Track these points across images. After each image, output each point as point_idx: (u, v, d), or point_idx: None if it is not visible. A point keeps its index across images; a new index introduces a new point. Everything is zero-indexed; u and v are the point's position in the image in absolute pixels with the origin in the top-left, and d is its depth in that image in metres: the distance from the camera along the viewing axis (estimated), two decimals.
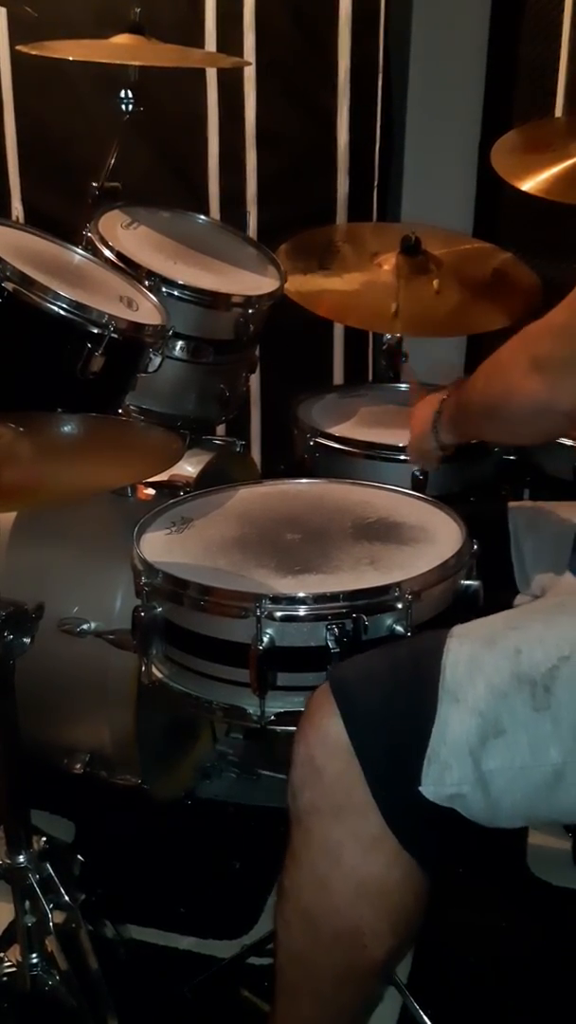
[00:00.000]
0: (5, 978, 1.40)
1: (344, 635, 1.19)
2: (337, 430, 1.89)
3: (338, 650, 1.19)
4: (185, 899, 1.76)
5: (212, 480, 1.72)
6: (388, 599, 1.21)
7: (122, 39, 1.89)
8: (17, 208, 2.64)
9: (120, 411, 1.72)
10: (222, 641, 1.24)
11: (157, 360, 1.67)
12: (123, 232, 1.86)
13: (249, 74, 2.44)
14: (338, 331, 2.63)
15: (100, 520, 1.73)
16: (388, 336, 2.18)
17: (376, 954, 1.09)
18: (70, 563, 1.70)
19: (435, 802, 1.03)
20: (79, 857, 1.55)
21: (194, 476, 1.78)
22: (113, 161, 1.94)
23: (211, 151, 2.53)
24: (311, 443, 1.87)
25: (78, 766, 1.72)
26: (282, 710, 1.24)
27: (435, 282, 2.03)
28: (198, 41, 2.41)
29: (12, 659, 1.29)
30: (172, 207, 2.06)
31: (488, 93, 2.52)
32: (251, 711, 1.24)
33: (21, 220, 2.57)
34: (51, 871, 1.40)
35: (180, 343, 1.78)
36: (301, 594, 1.22)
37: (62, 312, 1.50)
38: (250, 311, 1.83)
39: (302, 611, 1.20)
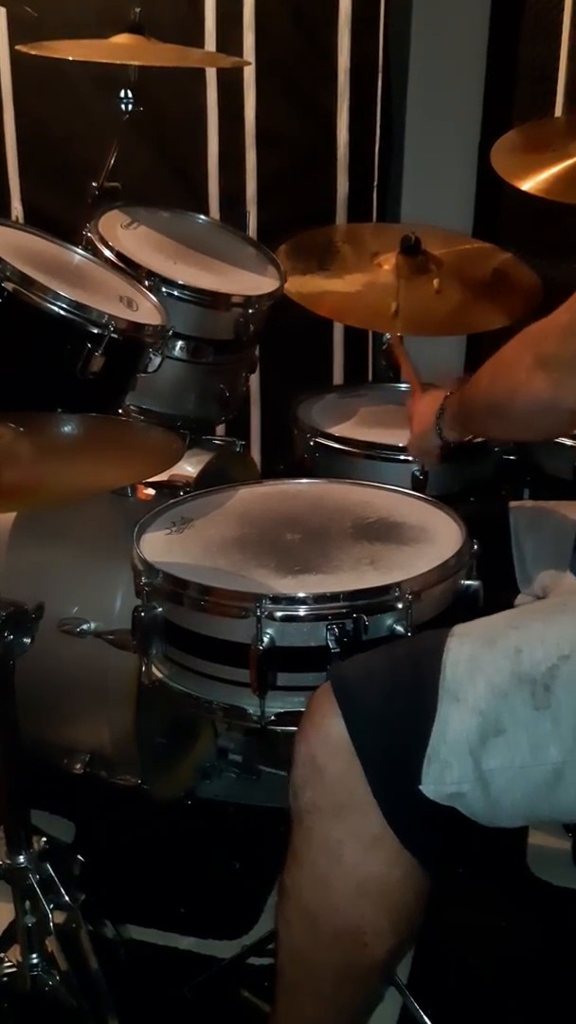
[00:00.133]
0: (5, 978, 1.40)
1: (344, 635, 1.19)
2: (337, 430, 1.89)
3: (338, 650, 1.19)
4: (185, 899, 1.76)
5: (212, 480, 1.72)
6: (388, 599, 1.21)
7: (122, 39, 1.89)
8: (17, 208, 2.63)
9: (120, 411, 1.72)
10: (222, 641, 1.24)
11: (157, 360, 1.67)
12: (123, 232, 1.86)
13: (249, 74, 2.44)
14: (338, 331, 2.63)
15: (100, 520, 1.73)
16: (388, 336, 2.18)
17: (377, 953, 1.09)
18: (70, 563, 1.70)
19: (435, 801, 1.03)
20: (79, 857, 1.55)
21: (194, 476, 1.78)
22: (113, 161, 1.94)
23: (211, 151, 2.53)
24: (311, 443, 1.87)
25: (78, 766, 1.72)
26: (282, 710, 1.24)
27: (435, 281, 2.03)
28: (198, 41, 2.41)
29: (12, 659, 1.29)
30: (172, 207, 2.06)
31: (488, 93, 2.52)
32: (251, 711, 1.24)
33: (21, 220, 2.57)
34: (51, 871, 1.40)
35: (180, 343, 1.78)
36: (301, 594, 1.22)
37: (62, 312, 1.50)
38: (250, 311, 1.83)
39: (302, 611, 1.20)
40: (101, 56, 1.86)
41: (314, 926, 1.09)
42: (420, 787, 1.02)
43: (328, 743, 1.05)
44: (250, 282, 1.92)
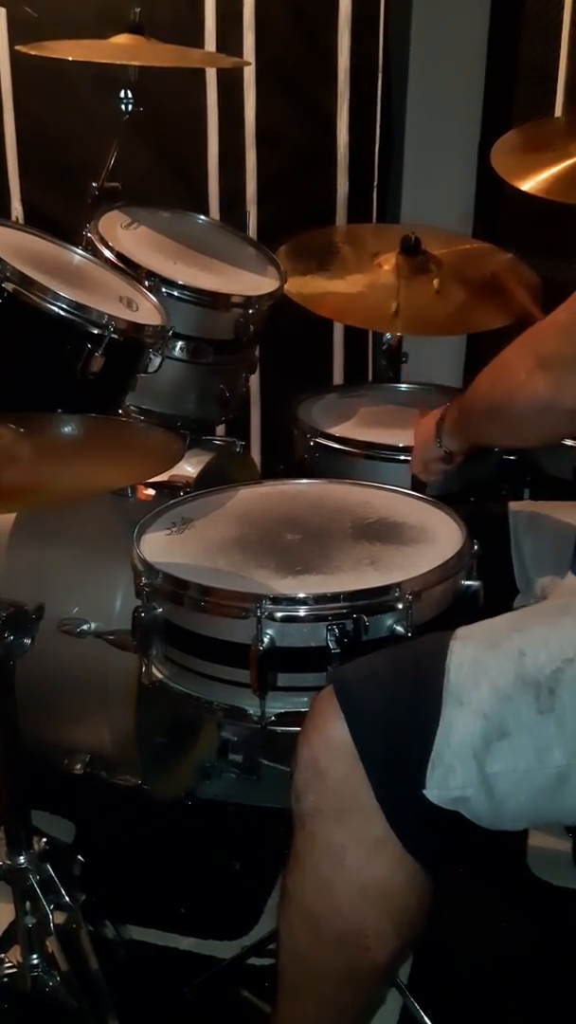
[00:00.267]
0: (6, 979, 1.40)
1: (344, 635, 1.19)
2: (337, 430, 1.89)
3: (338, 650, 1.19)
4: (185, 899, 1.76)
5: (212, 480, 1.71)
6: (388, 599, 1.21)
7: (122, 39, 1.89)
8: (17, 208, 2.63)
9: (120, 411, 1.72)
10: (222, 642, 1.24)
11: (157, 360, 1.67)
12: (123, 232, 1.86)
13: (249, 74, 2.44)
14: (338, 331, 2.63)
15: (100, 521, 1.73)
16: (388, 336, 2.18)
17: (379, 956, 1.09)
18: (70, 564, 1.70)
19: (439, 805, 1.03)
20: (79, 857, 1.55)
21: (194, 476, 1.78)
22: (113, 161, 1.94)
23: (211, 151, 2.53)
24: (311, 443, 1.87)
25: (78, 766, 1.72)
26: (282, 710, 1.24)
27: (435, 281, 2.03)
28: (198, 41, 2.41)
29: (12, 660, 1.29)
30: (172, 207, 2.06)
31: (488, 93, 2.52)
32: (251, 712, 1.24)
33: (21, 220, 2.57)
34: (51, 872, 1.40)
35: (180, 343, 1.78)
36: (301, 594, 1.22)
37: (62, 312, 1.50)
38: (250, 311, 1.83)
39: (302, 611, 1.20)
40: (101, 56, 1.86)
41: (316, 929, 1.09)
42: (424, 791, 1.02)
43: (331, 746, 1.05)
44: (250, 282, 1.92)
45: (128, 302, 1.67)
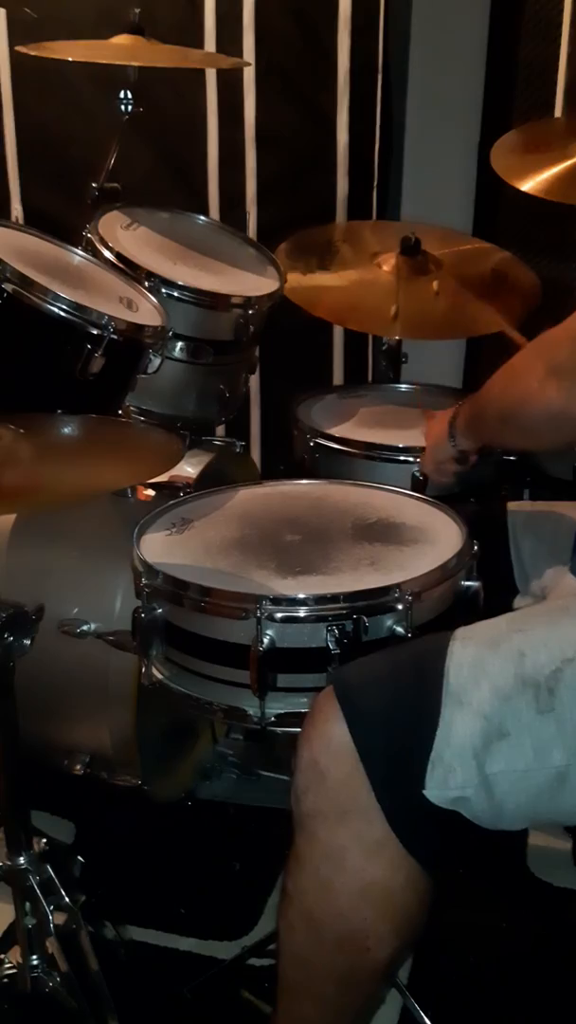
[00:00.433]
0: (6, 979, 1.40)
1: (344, 636, 1.19)
2: (337, 431, 1.89)
3: (338, 651, 1.19)
4: (185, 900, 1.76)
5: (212, 481, 1.72)
6: (388, 600, 1.21)
7: (122, 39, 1.89)
8: (17, 209, 2.64)
9: (120, 412, 1.72)
10: (222, 642, 1.24)
11: (157, 361, 1.67)
12: (123, 233, 1.86)
13: (249, 75, 2.44)
14: (338, 331, 2.63)
15: (100, 521, 1.73)
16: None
17: (379, 957, 1.09)
18: (70, 564, 1.70)
19: (439, 805, 1.03)
20: (79, 858, 1.55)
21: (194, 477, 1.78)
22: (113, 162, 1.94)
23: (211, 151, 2.53)
24: (311, 444, 1.87)
25: (78, 767, 1.72)
26: (282, 711, 1.24)
27: (435, 283, 2.03)
28: (198, 42, 2.41)
29: (12, 660, 1.29)
30: (172, 208, 2.06)
31: (488, 93, 2.52)
32: (251, 712, 1.24)
33: (21, 221, 2.57)
34: (51, 872, 1.40)
35: (180, 344, 1.78)
36: (301, 595, 1.22)
37: (62, 313, 1.50)
38: (250, 312, 1.83)
39: (302, 612, 1.20)
40: (101, 57, 1.86)
41: (317, 931, 1.09)
42: (424, 792, 1.02)
43: (331, 747, 1.05)
44: (250, 283, 1.92)
45: (128, 303, 1.67)
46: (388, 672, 1.09)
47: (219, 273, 1.91)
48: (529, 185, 1.85)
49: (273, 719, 1.24)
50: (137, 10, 1.90)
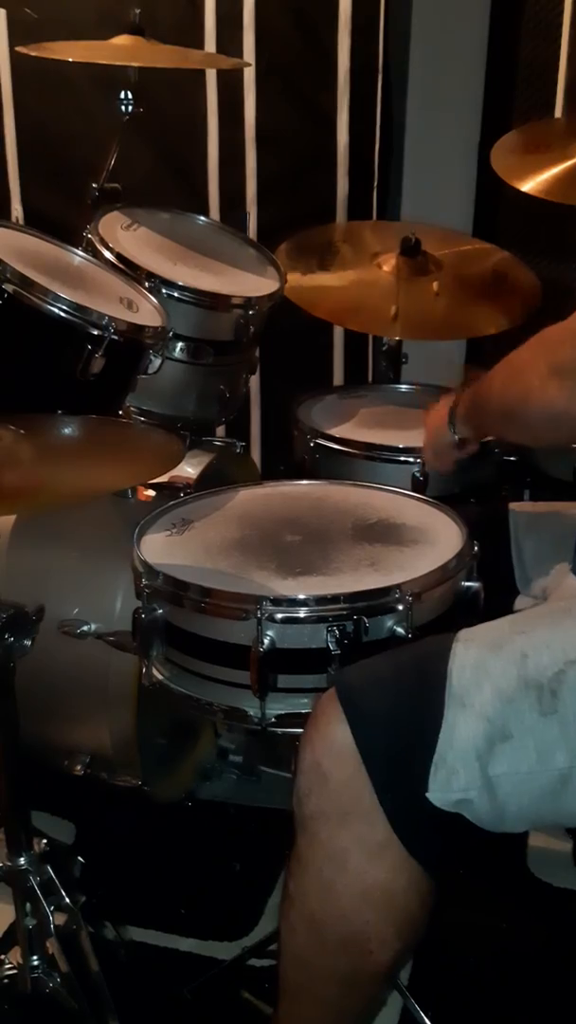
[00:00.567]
0: (6, 980, 1.40)
1: (345, 637, 1.19)
2: (337, 431, 1.89)
3: (339, 652, 1.19)
4: (186, 900, 1.76)
5: (212, 481, 1.72)
6: (389, 601, 1.21)
7: (122, 40, 1.89)
8: (17, 210, 2.64)
9: (120, 413, 1.72)
10: (223, 643, 1.24)
11: (157, 361, 1.67)
12: (123, 233, 1.86)
13: (249, 75, 2.44)
14: (338, 332, 2.63)
15: (100, 522, 1.73)
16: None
17: (381, 959, 1.09)
18: (70, 565, 1.70)
19: (441, 808, 1.03)
20: (80, 859, 1.55)
21: (194, 477, 1.78)
22: (113, 162, 1.94)
23: (211, 152, 2.53)
24: (311, 444, 1.87)
25: (79, 767, 1.72)
26: (283, 712, 1.23)
27: (435, 284, 2.03)
28: (198, 42, 2.41)
29: (13, 661, 1.29)
30: (172, 208, 2.06)
31: (488, 93, 2.52)
32: (252, 713, 1.24)
33: (21, 222, 2.57)
34: (52, 873, 1.40)
35: (180, 344, 1.78)
36: (302, 596, 1.21)
37: (62, 314, 1.50)
38: (250, 312, 1.83)
39: (303, 613, 1.20)
40: (101, 57, 1.86)
41: (319, 933, 1.09)
42: (427, 794, 1.02)
43: (333, 749, 1.05)
44: (250, 283, 1.92)
45: (128, 303, 1.67)
46: (391, 674, 1.09)
47: (219, 273, 1.91)
48: (529, 185, 1.85)
49: (273, 720, 1.23)
50: (137, 11, 1.90)
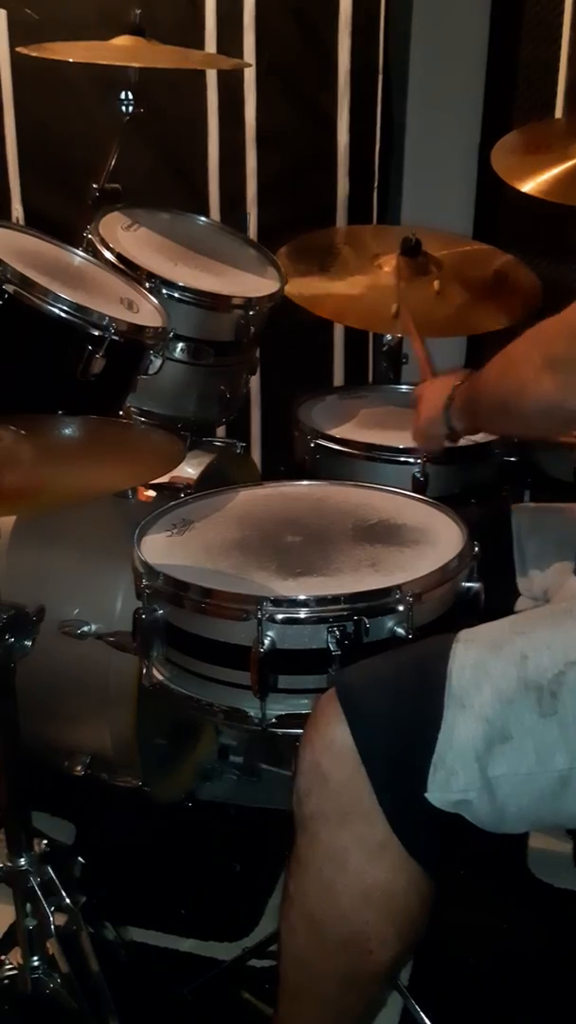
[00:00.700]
0: (6, 980, 1.40)
1: (345, 637, 1.19)
2: (338, 432, 1.89)
3: (339, 652, 1.19)
4: (186, 901, 1.76)
5: (213, 482, 1.72)
6: (389, 601, 1.21)
7: (122, 41, 1.89)
8: (17, 210, 2.63)
9: (121, 413, 1.72)
10: (223, 643, 1.24)
11: (158, 362, 1.68)
12: (123, 234, 1.86)
13: (249, 76, 2.44)
14: (338, 332, 2.63)
15: (101, 522, 1.73)
16: (388, 337, 2.18)
17: (381, 959, 1.09)
18: (71, 565, 1.70)
19: (441, 808, 1.03)
20: (80, 859, 1.55)
21: (195, 478, 1.78)
22: (113, 163, 1.94)
23: (211, 152, 2.53)
24: (312, 445, 1.87)
25: (79, 768, 1.72)
26: (283, 712, 1.24)
27: (435, 283, 2.03)
28: (198, 43, 2.41)
29: (13, 661, 1.29)
30: (172, 208, 2.06)
31: (488, 94, 2.52)
32: (252, 713, 1.24)
33: (21, 222, 2.57)
34: (52, 873, 1.40)
35: (180, 345, 1.78)
36: (302, 596, 1.21)
37: (62, 314, 1.50)
38: (250, 313, 1.83)
39: (303, 613, 1.20)
40: (102, 58, 1.86)
41: (319, 933, 1.09)
42: (426, 795, 1.02)
43: (333, 750, 1.05)
44: (250, 284, 1.92)
45: (129, 304, 1.67)
46: (390, 674, 1.09)
47: (219, 274, 1.91)
48: (530, 186, 1.85)
49: (274, 720, 1.24)
50: (138, 11, 1.91)
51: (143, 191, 2.11)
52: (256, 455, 2.73)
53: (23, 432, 1.29)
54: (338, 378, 2.66)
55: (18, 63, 2.50)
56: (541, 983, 1.60)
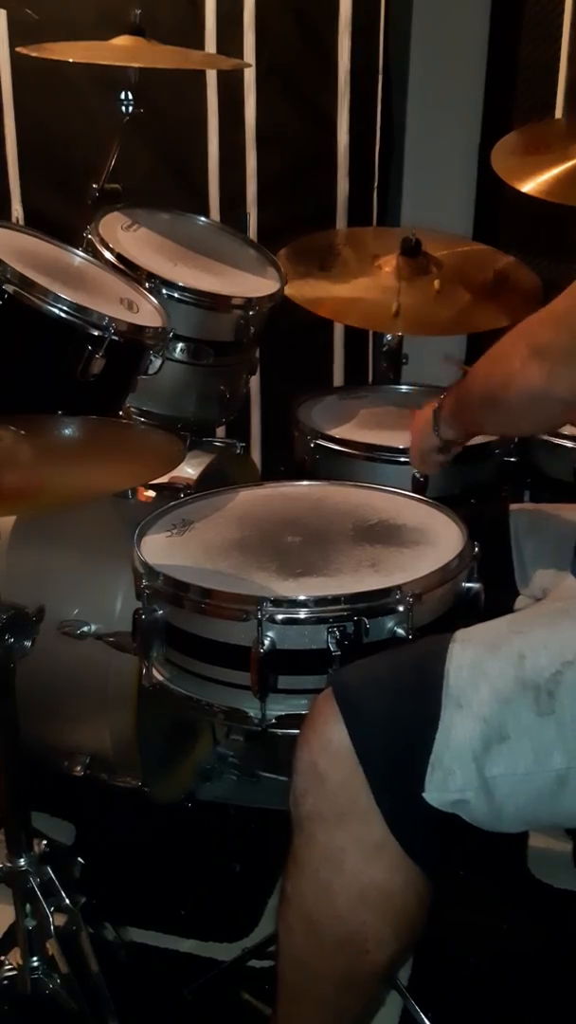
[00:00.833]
0: (6, 981, 1.40)
1: (345, 638, 1.19)
2: (337, 432, 1.89)
3: (339, 653, 1.19)
4: (186, 901, 1.76)
5: (212, 482, 1.71)
6: (389, 601, 1.21)
7: (122, 41, 1.89)
8: (17, 210, 2.64)
9: (121, 413, 1.72)
10: (223, 644, 1.24)
11: (157, 362, 1.68)
12: (123, 234, 1.86)
13: (249, 76, 2.45)
14: (338, 332, 2.63)
15: (101, 522, 1.73)
16: (388, 337, 2.18)
17: (379, 959, 1.09)
18: (71, 565, 1.70)
19: (438, 808, 1.03)
20: (79, 860, 1.55)
21: (195, 478, 1.78)
22: (113, 163, 1.94)
23: (211, 152, 2.53)
24: (311, 445, 1.87)
25: (79, 768, 1.72)
26: (283, 713, 1.23)
27: (436, 282, 2.03)
28: (198, 43, 2.41)
29: (13, 662, 1.29)
30: (172, 209, 2.06)
31: (488, 94, 2.52)
32: (252, 714, 1.24)
33: (21, 222, 2.57)
34: (52, 874, 1.40)
35: (180, 345, 1.78)
36: (302, 597, 1.21)
37: (62, 314, 1.50)
38: (250, 313, 1.83)
39: (303, 614, 1.20)
40: (102, 58, 1.86)
41: (316, 933, 1.09)
42: (423, 794, 1.02)
43: (330, 750, 1.05)
44: (250, 284, 1.92)
45: (128, 304, 1.67)
46: (388, 674, 1.09)
47: (219, 274, 1.91)
48: (530, 186, 1.85)
49: (274, 721, 1.23)
50: (138, 11, 1.91)
51: (143, 191, 2.11)
52: (256, 455, 2.73)
53: (23, 432, 1.29)
54: (338, 378, 2.66)
55: (18, 63, 2.51)
56: (541, 983, 1.60)
